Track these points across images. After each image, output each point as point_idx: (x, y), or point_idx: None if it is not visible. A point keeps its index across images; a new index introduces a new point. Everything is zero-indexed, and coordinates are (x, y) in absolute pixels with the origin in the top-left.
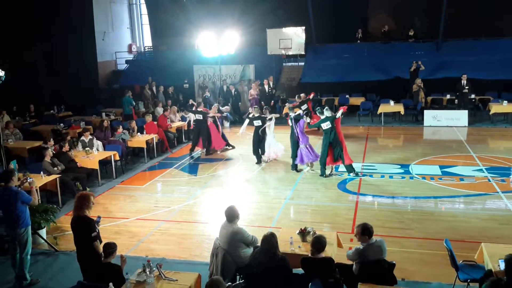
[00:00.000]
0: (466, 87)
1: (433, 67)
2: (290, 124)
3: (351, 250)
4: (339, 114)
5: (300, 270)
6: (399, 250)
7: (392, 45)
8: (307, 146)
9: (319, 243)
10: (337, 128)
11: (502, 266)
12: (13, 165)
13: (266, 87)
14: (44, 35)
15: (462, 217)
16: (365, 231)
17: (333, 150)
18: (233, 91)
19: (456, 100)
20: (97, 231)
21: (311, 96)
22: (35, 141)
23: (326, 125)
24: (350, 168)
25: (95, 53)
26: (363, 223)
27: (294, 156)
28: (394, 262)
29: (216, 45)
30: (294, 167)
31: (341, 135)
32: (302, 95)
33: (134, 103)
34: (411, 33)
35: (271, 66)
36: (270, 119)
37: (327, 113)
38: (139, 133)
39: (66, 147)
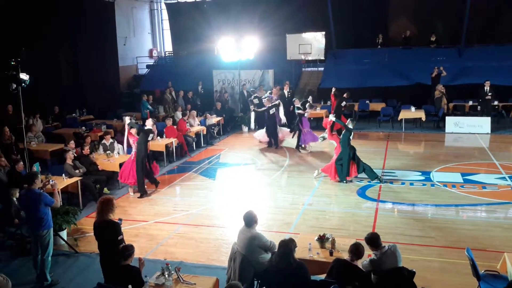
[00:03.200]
0: (489, 94)
1: (455, 73)
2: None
3: (366, 261)
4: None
5: (317, 277)
6: (419, 258)
7: (413, 50)
8: (309, 130)
9: (358, 250)
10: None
11: None
12: (36, 167)
13: (285, 91)
14: (67, 40)
15: (484, 226)
16: (369, 242)
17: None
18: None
19: (479, 107)
20: (122, 234)
21: (345, 95)
22: (57, 144)
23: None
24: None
25: (117, 57)
26: (367, 234)
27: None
28: (414, 270)
29: (236, 50)
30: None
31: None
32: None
33: (150, 107)
34: (432, 39)
35: (290, 71)
36: (273, 106)
37: (350, 125)
38: (158, 137)
39: (86, 150)
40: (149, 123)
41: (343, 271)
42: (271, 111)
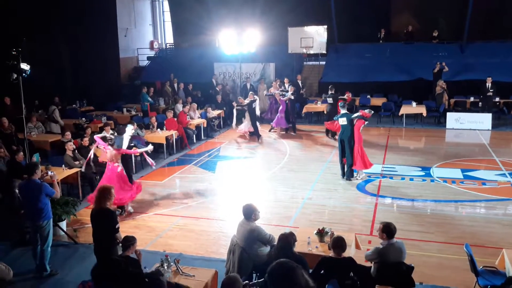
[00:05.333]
0: (491, 90)
1: (457, 69)
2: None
3: (370, 250)
4: (356, 115)
5: None
6: (418, 253)
7: (415, 45)
8: (283, 115)
9: (340, 243)
10: (355, 129)
11: None
12: (36, 158)
13: (299, 82)
14: (68, 31)
15: (483, 222)
16: (385, 229)
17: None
18: (264, 92)
19: (480, 103)
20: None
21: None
22: (57, 134)
23: (342, 121)
24: (349, 172)
25: (118, 49)
26: (387, 222)
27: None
28: (412, 265)
29: (237, 43)
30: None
31: (356, 137)
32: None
33: (150, 100)
34: (435, 34)
35: (292, 64)
36: (254, 101)
37: (343, 110)
38: (158, 129)
39: (85, 141)
40: (129, 129)
41: (332, 267)
42: (253, 105)
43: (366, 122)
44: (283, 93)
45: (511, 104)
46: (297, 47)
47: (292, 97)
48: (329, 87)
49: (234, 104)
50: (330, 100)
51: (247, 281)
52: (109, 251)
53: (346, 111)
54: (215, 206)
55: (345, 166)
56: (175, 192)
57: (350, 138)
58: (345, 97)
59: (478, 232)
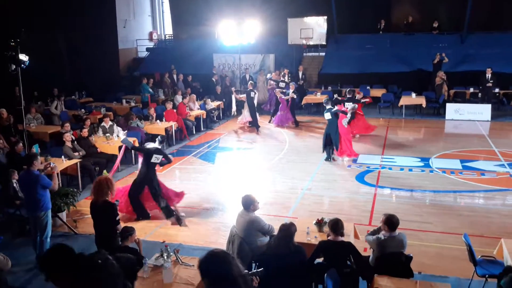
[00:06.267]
0: (491, 81)
1: (457, 60)
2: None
3: (372, 236)
4: (335, 109)
5: (316, 260)
6: (417, 243)
7: (416, 36)
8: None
9: (337, 225)
10: (338, 122)
11: None
12: (35, 149)
13: (300, 73)
14: (67, 22)
15: (482, 212)
16: (387, 221)
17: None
18: (268, 75)
19: (480, 94)
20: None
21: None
22: (56, 126)
23: (327, 116)
24: (328, 157)
25: (117, 40)
26: (391, 214)
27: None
28: (411, 255)
29: (237, 34)
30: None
31: (340, 129)
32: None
33: (150, 91)
34: (435, 25)
35: (291, 56)
36: (253, 90)
37: (327, 106)
38: (158, 121)
39: (84, 133)
40: (157, 142)
41: (330, 250)
42: (252, 94)
43: (347, 117)
44: (284, 90)
45: (510, 95)
46: (297, 38)
47: (295, 96)
48: (347, 91)
49: (233, 89)
50: (350, 105)
51: (246, 271)
52: (110, 242)
53: (330, 106)
54: (214, 197)
55: (330, 151)
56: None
57: (335, 131)
58: (366, 99)
59: (476, 222)
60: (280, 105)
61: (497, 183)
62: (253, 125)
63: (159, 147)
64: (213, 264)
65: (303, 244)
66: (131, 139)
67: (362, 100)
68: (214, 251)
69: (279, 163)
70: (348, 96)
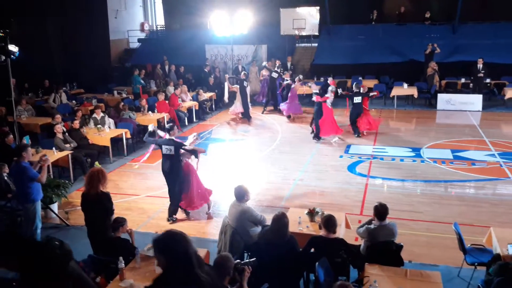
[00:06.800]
0: (482, 71)
1: (448, 50)
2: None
3: (362, 227)
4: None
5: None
6: (408, 232)
7: (408, 27)
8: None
9: (330, 222)
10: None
11: (510, 250)
12: (26, 140)
13: (289, 63)
14: (57, 13)
15: (472, 202)
16: (375, 211)
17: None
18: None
19: (471, 84)
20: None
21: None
22: (47, 117)
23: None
24: (317, 136)
25: (108, 31)
26: (379, 203)
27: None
28: (401, 244)
29: (229, 24)
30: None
31: (325, 109)
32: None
33: (142, 82)
34: (427, 15)
35: (284, 46)
36: (246, 79)
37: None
38: (150, 112)
39: (75, 124)
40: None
41: (322, 247)
42: (245, 84)
43: (330, 98)
44: (288, 80)
45: (501, 85)
46: (290, 28)
47: (294, 82)
48: (354, 85)
49: (227, 76)
50: (358, 99)
51: (238, 260)
52: (102, 233)
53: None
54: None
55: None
56: None
57: (318, 112)
58: (373, 93)
59: (467, 211)
60: (289, 95)
61: (488, 173)
62: (245, 116)
63: (172, 137)
64: (171, 242)
65: (295, 233)
66: (123, 130)
67: (370, 94)
68: (171, 230)
69: (271, 154)
70: (355, 90)
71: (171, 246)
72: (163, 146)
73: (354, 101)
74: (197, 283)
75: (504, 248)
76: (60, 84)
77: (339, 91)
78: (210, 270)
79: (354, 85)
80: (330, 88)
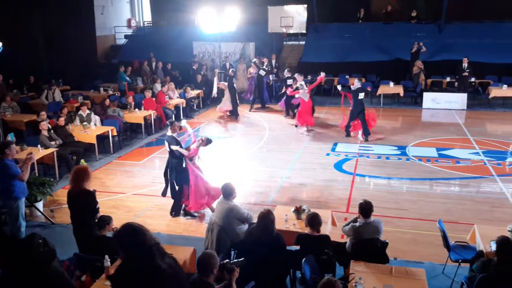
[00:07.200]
0: (467, 70)
1: (434, 49)
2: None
3: (348, 226)
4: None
5: (294, 247)
6: (393, 230)
7: (394, 25)
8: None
9: (315, 220)
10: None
11: (493, 247)
12: (10, 137)
13: (273, 61)
14: (43, 8)
15: (457, 199)
16: (359, 209)
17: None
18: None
19: (456, 83)
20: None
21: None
22: (32, 114)
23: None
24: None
25: (94, 27)
26: (364, 200)
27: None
28: (387, 241)
29: (217, 21)
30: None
31: (302, 102)
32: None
33: (127, 79)
34: (413, 14)
35: (272, 44)
36: (234, 76)
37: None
38: (136, 109)
39: (60, 121)
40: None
41: (308, 244)
42: (234, 81)
43: (300, 91)
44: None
45: (486, 84)
46: (277, 26)
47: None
48: (357, 79)
49: (216, 71)
50: (362, 95)
51: (227, 260)
52: (89, 232)
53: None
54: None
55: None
56: (154, 172)
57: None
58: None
59: (451, 209)
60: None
61: (472, 171)
62: (233, 114)
63: (172, 134)
64: (127, 236)
65: (281, 231)
66: (109, 128)
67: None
68: (129, 223)
69: (259, 152)
70: (357, 85)
71: (128, 239)
72: (168, 144)
73: (359, 97)
74: (157, 273)
75: (487, 245)
76: (51, 81)
77: (339, 87)
78: (172, 261)
79: (356, 81)
80: (298, 84)
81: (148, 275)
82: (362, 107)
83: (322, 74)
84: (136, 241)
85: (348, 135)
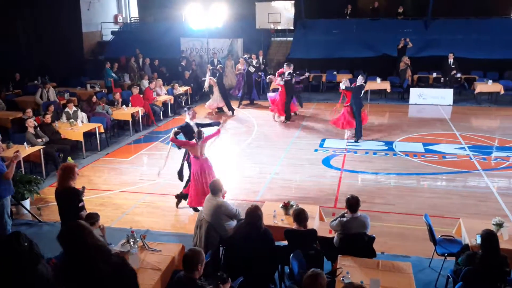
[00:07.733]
0: (453, 66)
1: (421, 45)
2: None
3: (335, 221)
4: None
5: (281, 243)
6: (380, 224)
7: (381, 21)
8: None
9: (301, 215)
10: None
11: (479, 240)
12: None
13: (260, 58)
14: (27, 5)
15: (443, 194)
16: (347, 204)
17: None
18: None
19: (442, 79)
20: (83, 200)
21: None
22: (18, 111)
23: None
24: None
25: (80, 23)
26: (351, 195)
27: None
28: (374, 235)
29: (204, 17)
30: None
31: (281, 93)
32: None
33: (114, 75)
34: (400, 10)
35: (259, 40)
36: (222, 73)
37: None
38: (124, 106)
39: (47, 119)
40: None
41: (295, 239)
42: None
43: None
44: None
45: (471, 80)
46: (265, 22)
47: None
48: (359, 76)
49: (209, 66)
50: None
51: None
52: None
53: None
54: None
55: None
56: (142, 169)
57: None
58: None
59: (437, 203)
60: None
61: (458, 166)
62: (221, 111)
63: (190, 121)
64: (67, 236)
65: (270, 227)
66: (96, 125)
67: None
68: (74, 223)
69: (247, 148)
70: (360, 82)
71: (66, 239)
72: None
73: (361, 95)
74: (95, 274)
75: (473, 239)
76: (45, 79)
77: (342, 86)
78: (120, 261)
79: (359, 78)
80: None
81: (87, 277)
82: (362, 104)
83: (306, 75)
84: (76, 243)
85: (360, 136)
